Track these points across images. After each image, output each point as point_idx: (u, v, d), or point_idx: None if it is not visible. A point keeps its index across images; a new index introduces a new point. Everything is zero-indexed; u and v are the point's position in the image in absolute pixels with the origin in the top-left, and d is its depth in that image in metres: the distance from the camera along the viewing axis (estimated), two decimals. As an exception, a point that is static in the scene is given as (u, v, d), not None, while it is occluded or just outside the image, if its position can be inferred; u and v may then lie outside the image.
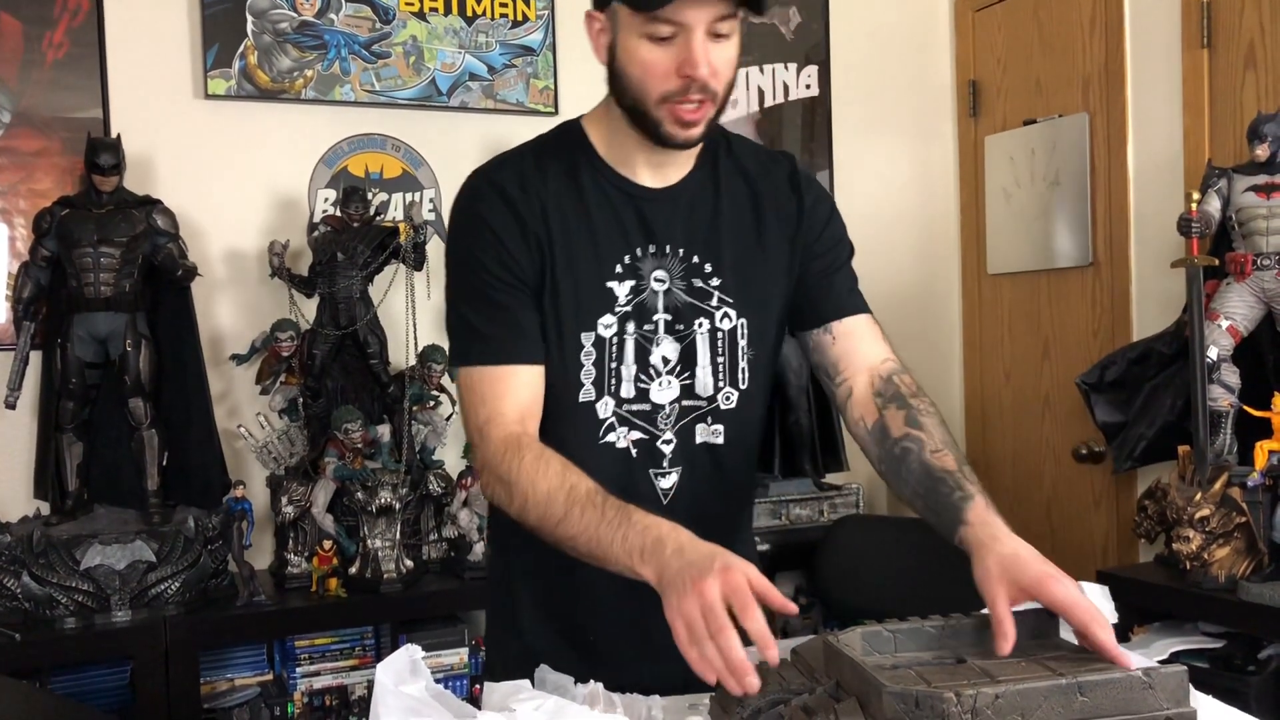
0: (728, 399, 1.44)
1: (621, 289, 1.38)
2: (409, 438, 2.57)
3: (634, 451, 1.41)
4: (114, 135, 2.46)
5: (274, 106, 2.75)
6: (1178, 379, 2.50)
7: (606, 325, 1.38)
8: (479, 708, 1.07)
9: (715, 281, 1.42)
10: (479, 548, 2.52)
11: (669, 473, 1.43)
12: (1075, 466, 3.03)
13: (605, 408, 1.40)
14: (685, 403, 1.42)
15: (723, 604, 1.04)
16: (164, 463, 2.43)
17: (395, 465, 2.53)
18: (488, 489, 1.35)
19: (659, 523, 1.17)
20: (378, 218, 2.68)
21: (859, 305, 1.49)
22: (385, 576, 2.43)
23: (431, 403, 2.69)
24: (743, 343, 1.44)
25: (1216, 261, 2.38)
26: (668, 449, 1.42)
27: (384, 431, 2.58)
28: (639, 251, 1.39)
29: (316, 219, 2.74)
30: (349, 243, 2.55)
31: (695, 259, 1.41)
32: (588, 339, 1.38)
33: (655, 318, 1.39)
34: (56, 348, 2.36)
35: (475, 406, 1.36)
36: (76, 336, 2.35)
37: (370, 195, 2.71)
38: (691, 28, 1.24)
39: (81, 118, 2.56)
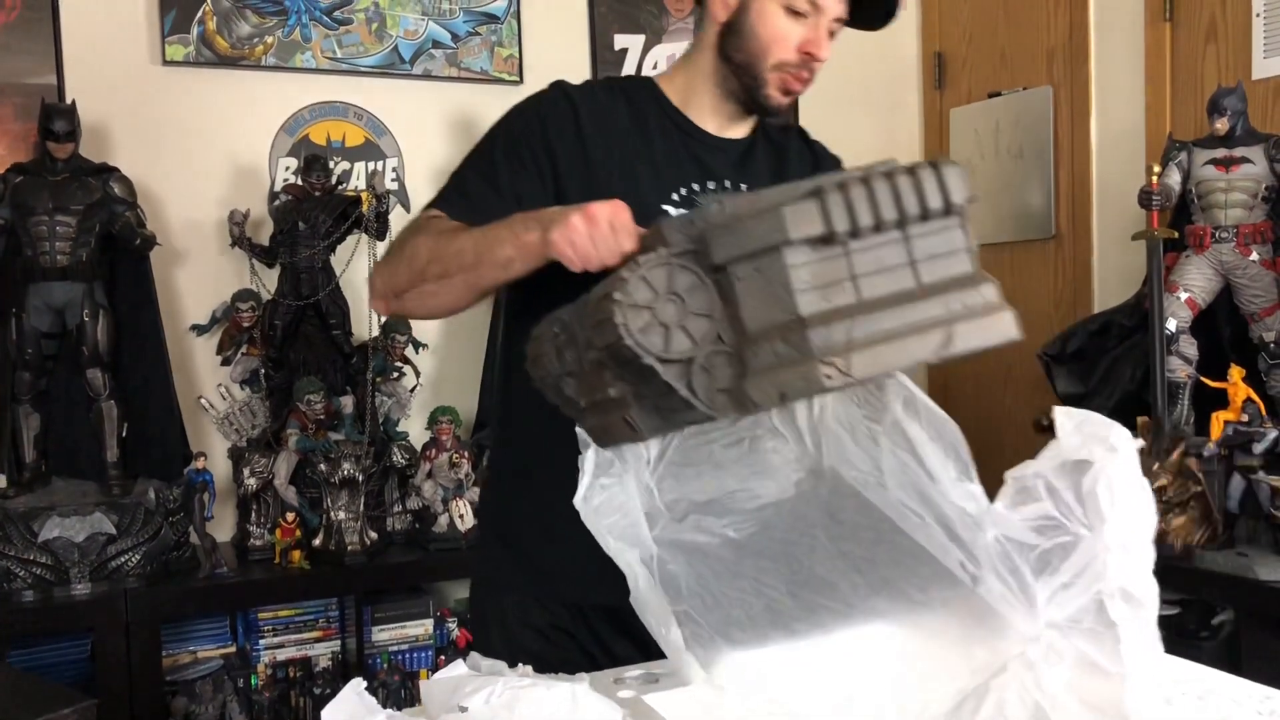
0: None
1: (676, 213, 1.39)
2: (372, 409, 2.56)
3: None
4: (69, 101, 2.41)
5: (233, 73, 2.70)
6: (1137, 350, 2.53)
7: None
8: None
9: None
10: (443, 519, 2.52)
11: None
12: (1037, 437, 3.06)
13: None
14: None
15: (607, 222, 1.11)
16: (123, 434, 2.40)
17: (358, 437, 2.51)
18: (377, 270, 1.34)
19: (543, 210, 1.23)
20: (340, 187, 2.65)
21: None
22: (349, 548, 2.42)
23: (395, 374, 2.68)
24: None
25: (1176, 234, 2.41)
26: None
27: (347, 403, 2.57)
28: (696, 186, 1.42)
29: (277, 188, 2.71)
30: (310, 212, 2.52)
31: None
32: None
33: None
34: (11, 317, 2.32)
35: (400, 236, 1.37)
36: (32, 306, 2.31)
37: (332, 164, 2.68)
38: (825, 13, 1.39)
39: (35, 83, 2.50)
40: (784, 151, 1.53)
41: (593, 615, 1.44)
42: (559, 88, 1.43)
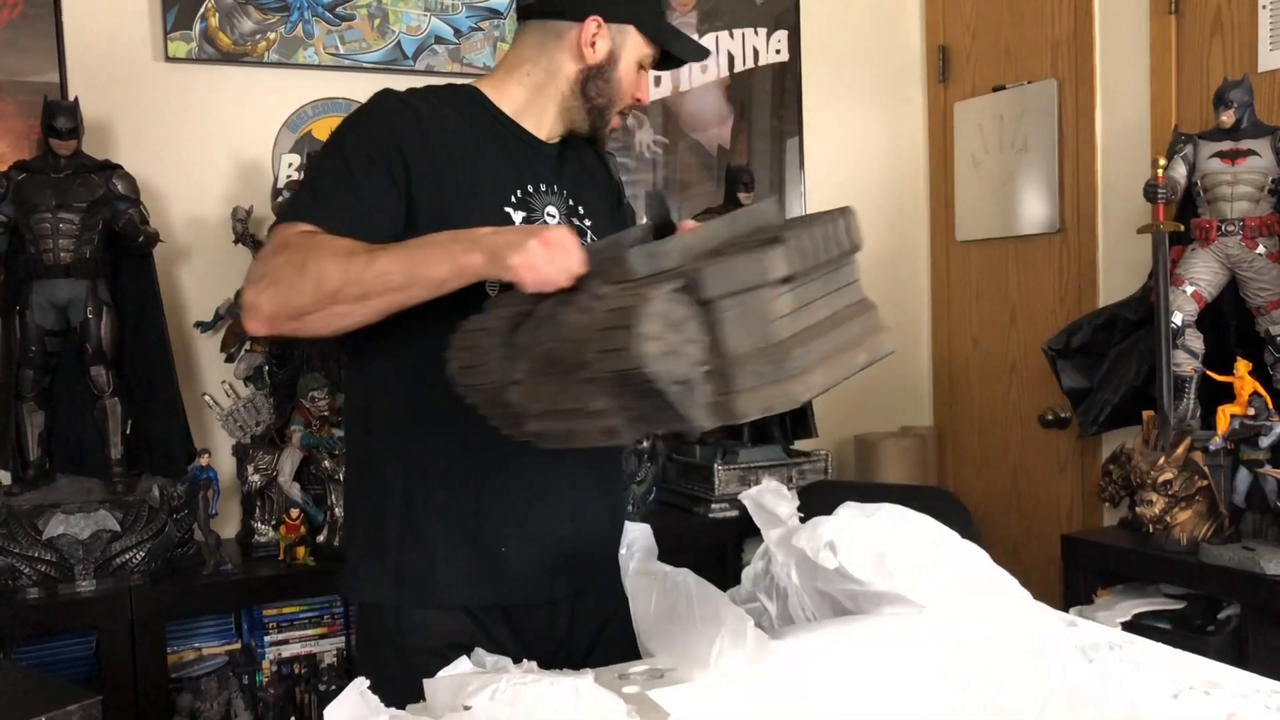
0: None
1: (516, 216, 1.52)
2: (376, 405, 2.55)
3: None
4: (72, 98, 2.41)
5: (236, 70, 2.70)
6: (1142, 344, 2.52)
7: None
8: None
9: (589, 223, 1.61)
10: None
11: None
12: (1041, 432, 3.06)
13: None
14: None
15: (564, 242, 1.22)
16: (127, 431, 2.39)
17: (363, 433, 2.51)
18: (261, 292, 1.33)
19: (462, 230, 1.32)
20: (343, 183, 2.64)
21: None
22: (353, 545, 2.42)
23: (399, 370, 2.68)
24: None
25: (1182, 227, 2.40)
26: None
27: (351, 399, 2.57)
28: (530, 188, 1.55)
29: (280, 184, 2.70)
30: (314, 208, 2.52)
31: (572, 201, 1.60)
32: None
33: None
34: (15, 315, 2.32)
35: (268, 244, 1.39)
36: (36, 304, 2.31)
37: (335, 160, 2.67)
38: (648, 70, 1.61)
39: (38, 81, 2.50)
40: (583, 156, 1.68)
41: (486, 619, 1.50)
42: (394, 96, 1.51)
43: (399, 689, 1.14)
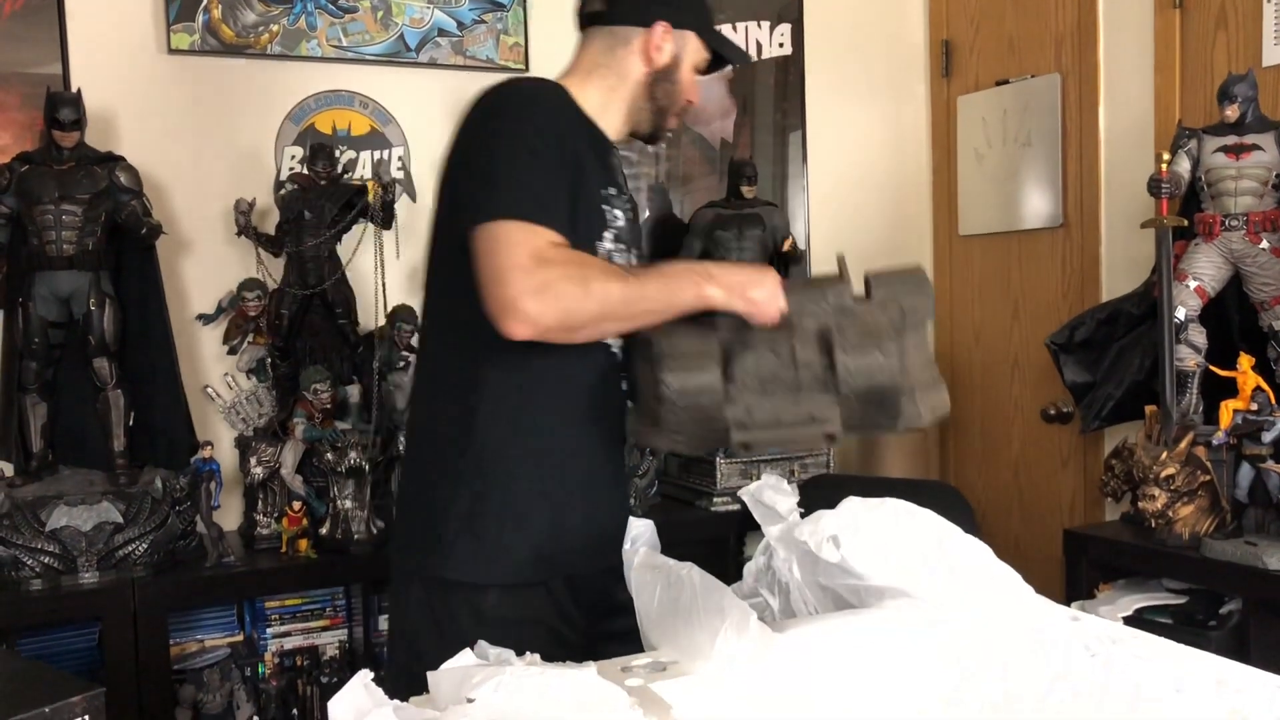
0: None
1: (610, 214, 1.62)
2: (378, 399, 2.56)
3: (618, 355, 1.64)
4: (74, 90, 2.41)
5: (239, 62, 2.70)
6: (1145, 339, 2.52)
7: (607, 242, 1.61)
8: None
9: (636, 223, 1.78)
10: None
11: (623, 377, 1.66)
12: (1044, 426, 3.06)
13: None
14: None
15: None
16: (130, 423, 2.40)
17: (365, 426, 2.51)
18: (543, 304, 1.41)
19: (693, 263, 1.72)
20: (345, 176, 2.65)
21: None
22: (355, 537, 2.42)
23: (401, 364, 2.67)
24: None
25: (1185, 222, 2.39)
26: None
27: (353, 392, 2.57)
28: (610, 189, 1.64)
29: (283, 177, 2.71)
30: (316, 201, 2.52)
31: (630, 203, 1.71)
32: (600, 249, 1.59)
33: (629, 242, 1.67)
34: (18, 307, 2.32)
35: (515, 246, 1.42)
36: (39, 295, 2.31)
37: (338, 153, 2.67)
38: (699, 73, 1.73)
39: (40, 73, 2.50)
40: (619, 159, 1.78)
41: (559, 592, 1.60)
42: (549, 87, 1.62)
43: None
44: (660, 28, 1.65)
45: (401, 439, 2.56)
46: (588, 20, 1.70)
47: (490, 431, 1.56)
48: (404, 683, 1.29)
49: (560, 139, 1.52)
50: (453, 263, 1.51)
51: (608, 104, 1.67)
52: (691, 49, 1.69)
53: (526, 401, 1.57)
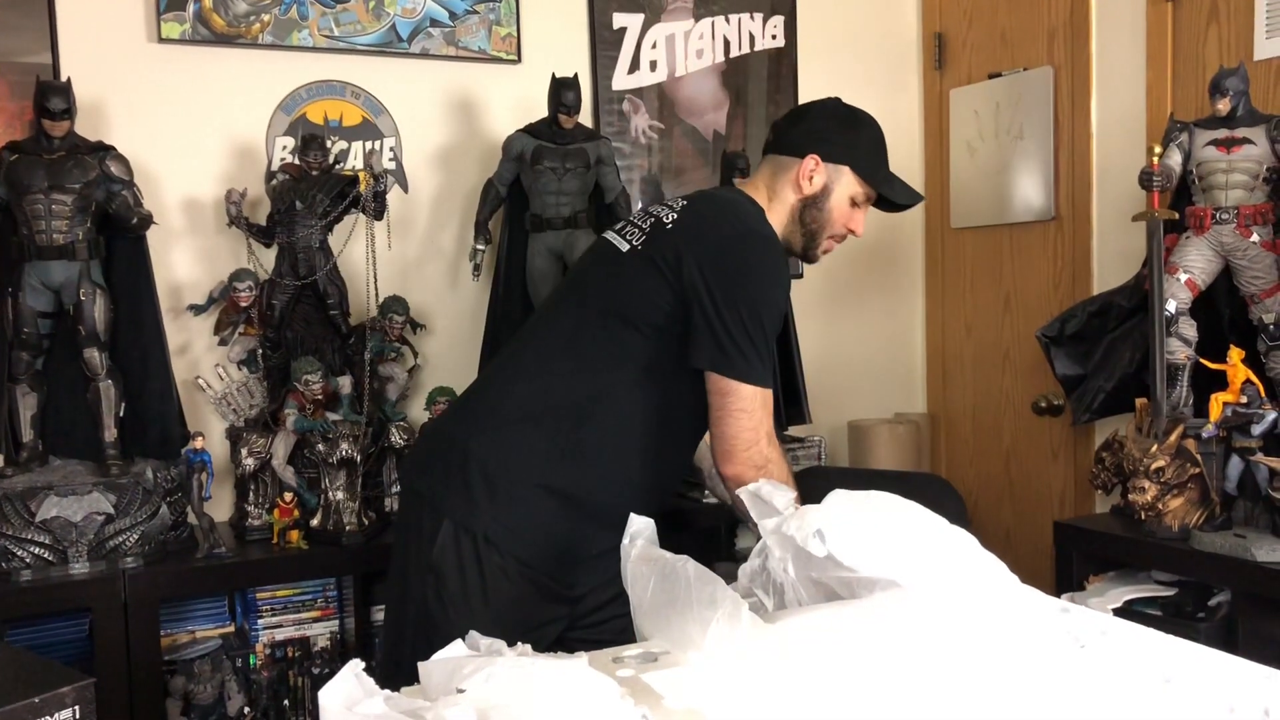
0: None
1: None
2: (370, 390, 2.55)
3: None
4: (64, 79, 2.40)
5: (230, 51, 2.69)
6: (1136, 332, 2.53)
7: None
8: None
9: None
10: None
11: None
12: (1034, 419, 3.07)
13: None
14: None
15: None
16: (121, 414, 2.39)
17: (356, 417, 2.51)
18: (757, 479, 1.66)
19: None
20: (337, 166, 2.64)
21: None
22: (347, 528, 2.42)
23: (393, 355, 2.67)
24: None
25: (1177, 215, 2.40)
26: None
27: (344, 383, 2.56)
28: None
29: (274, 167, 2.69)
30: (308, 191, 2.51)
31: None
32: None
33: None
34: (8, 297, 2.31)
35: (757, 417, 1.79)
36: (29, 285, 2.30)
37: (329, 143, 2.66)
38: (868, 204, 1.97)
39: (29, 62, 2.49)
40: None
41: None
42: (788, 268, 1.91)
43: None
44: (811, 159, 1.89)
45: (394, 431, 2.57)
46: (766, 149, 1.99)
47: (603, 433, 1.82)
48: (420, 623, 1.76)
49: (781, 308, 1.84)
50: (663, 312, 1.79)
51: (787, 226, 1.93)
52: (846, 181, 1.91)
53: (653, 428, 1.85)
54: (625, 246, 1.88)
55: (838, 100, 2.00)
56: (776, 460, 1.82)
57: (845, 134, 1.93)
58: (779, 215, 1.92)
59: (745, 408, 1.78)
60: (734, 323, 1.75)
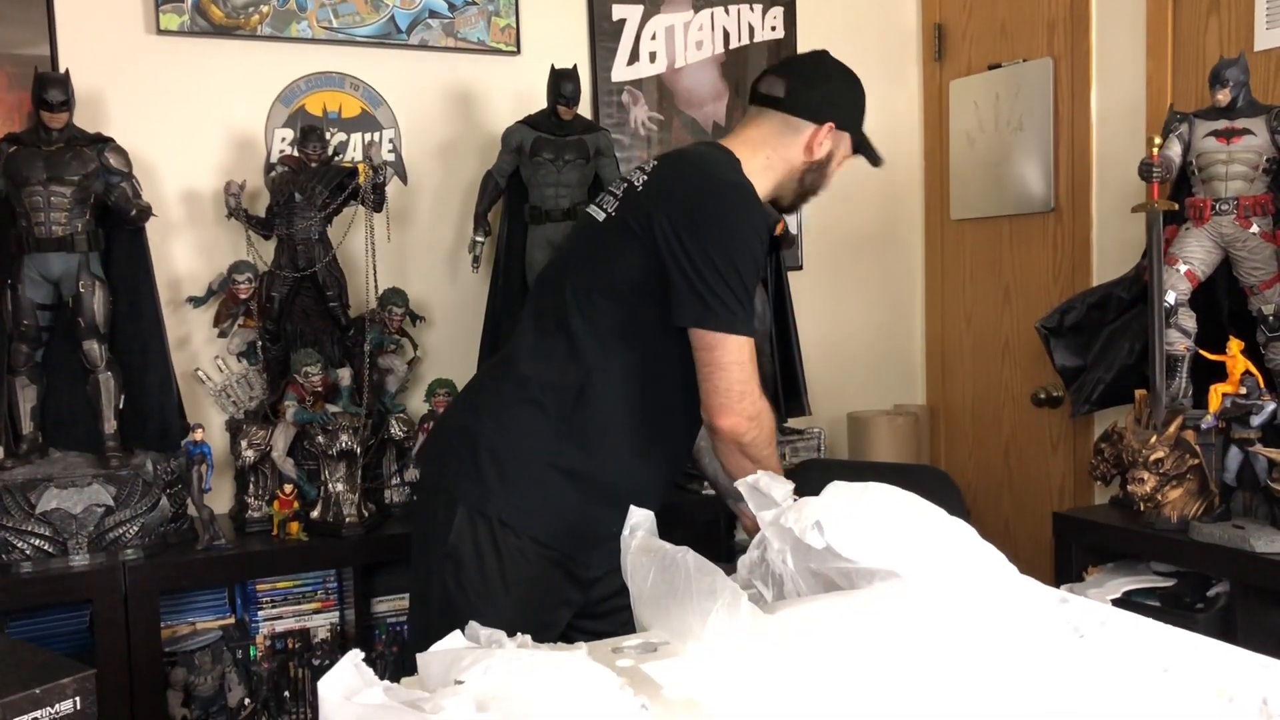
0: None
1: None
2: (370, 382, 2.55)
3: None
4: (62, 71, 2.39)
5: (228, 43, 2.68)
6: (1136, 324, 2.53)
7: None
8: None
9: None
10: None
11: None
12: (1034, 410, 3.07)
13: None
14: None
15: None
16: (120, 406, 2.39)
17: (356, 409, 2.51)
18: (751, 430, 1.81)
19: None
20: (336, 158, 2.63)
21: None
22: (347, 520, 2.42)
23: (392, 347, 2.67)
24: None
25: (1176, 206, 2.40)
26: None
27: (344, 375, 2.56)
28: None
29: (273, 159, 2.69)
30: (307, 183, 2.51)
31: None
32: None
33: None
34: (7, 289, 2.31)
35: (747, 369, 1.79)
36: (28, 278, 2.30)
37: (328, 135, 2.66)
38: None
39: (28, 54, 2.48)
40: None
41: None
42: (764, 212, 1.88)
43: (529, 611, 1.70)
44: (828, 127, 1.91)
45: (393, 423, 2.57)
46: (765, 101, 1.93)
47: (601, 408, 1.82)
48: (443, 610, 1.76)
49: (758, 256, 1.80)
50: (640, 276, 1.78)
51: (761, 175, 1.89)
52: (843, 147, 1.96)
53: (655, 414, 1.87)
54: (601, 216, 1.89)
55: (833, 57, 2.03)
56: (767, 412, 1.84)
57: (853, 100, 1.98)
58: (775, 170, 1.92)
59: (734, 359, 1.77)
60: (711, 275, 1.73)
